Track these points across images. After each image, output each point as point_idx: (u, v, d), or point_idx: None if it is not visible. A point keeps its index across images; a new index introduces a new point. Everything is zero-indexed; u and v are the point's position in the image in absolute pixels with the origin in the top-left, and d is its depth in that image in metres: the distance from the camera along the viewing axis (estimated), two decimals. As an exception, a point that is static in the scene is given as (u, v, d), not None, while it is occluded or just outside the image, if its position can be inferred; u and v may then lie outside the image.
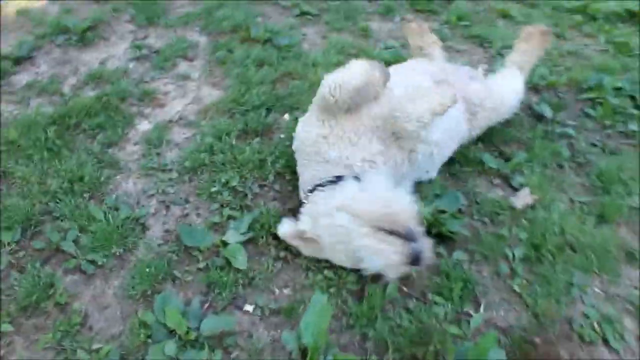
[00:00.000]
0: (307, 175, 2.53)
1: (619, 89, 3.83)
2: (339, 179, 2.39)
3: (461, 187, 2.98)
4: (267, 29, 4.17)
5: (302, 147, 2.56)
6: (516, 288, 2.49)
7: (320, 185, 2.42)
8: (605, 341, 2.33)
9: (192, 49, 4.05)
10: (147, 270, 2.42)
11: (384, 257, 2.04)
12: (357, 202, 2.18)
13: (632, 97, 3.78)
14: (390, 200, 2.17)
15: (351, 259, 2.24)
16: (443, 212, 2.73)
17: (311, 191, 2.45)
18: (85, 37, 4.10)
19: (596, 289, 2.53)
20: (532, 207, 2.88)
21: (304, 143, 2.55)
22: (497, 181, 3.06)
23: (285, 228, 2.46)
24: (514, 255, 2.61)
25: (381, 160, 2.46)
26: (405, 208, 2.14)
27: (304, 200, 2.50)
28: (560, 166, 3.20)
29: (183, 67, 3.84)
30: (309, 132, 2.52)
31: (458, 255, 2.58)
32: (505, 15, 4.91)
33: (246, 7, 4.57)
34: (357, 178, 2.36)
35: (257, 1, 4.79)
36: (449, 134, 2.82)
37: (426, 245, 2.09)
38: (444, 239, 2.63)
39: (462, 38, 4.49)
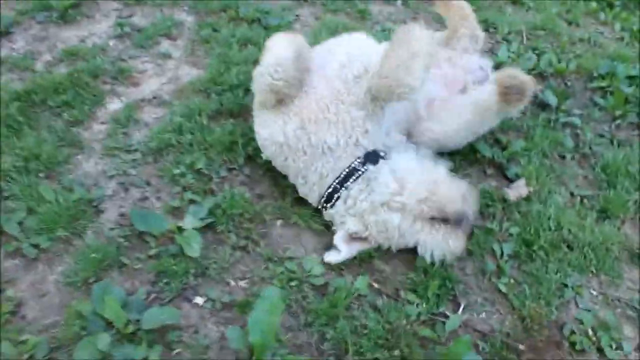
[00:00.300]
0: (313, 176, 2.29)
1: (632, 77, 3.52)
2: (363, 166, 2.23)
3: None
4: (258, 8, 3.94)
5: (281, 151, 2.33)
6: (502, 288, 2.24)
7: (344, 182, 2.23)
8: (600, 350, 2.07)
9: (177, 27, 3.83)
10: (93, 256, 2.20)
11: (444, 248, 2.14)
12: (401, 197, 2.13)
13: (646, 87, 3.47)
14: (432, 184, 2.13)
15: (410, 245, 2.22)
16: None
17: (335, 192, 2.25)
18: (67, 14, 3.89)
19: (593, 291, 2.27)
20: (527, 199, 2.61)
21: (281, 146, 2.31)
22: (490, 171, 2.79)
23: (333, 256, 2.24)
24: (502, 252, 2.35)
25: (373, 126, 2.26)
26: (449, 190, 2.14)
27: (324, 205, 2.32)
28: (562, 157, 2.93)
29: (165, 45, 3.62)
30: (277, 132, 2.29)
31: (440, 251, 2.31)
32: (515, 1, 4.61)
33: (238, -14, 4.33)
34: (382, 158, 2.25)
35: (252, -18, 4.54)
36: None
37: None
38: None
39: (467, 23, 4.19)
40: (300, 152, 2.26)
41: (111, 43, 3.61)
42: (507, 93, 2.46)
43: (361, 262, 2.25)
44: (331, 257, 2.21)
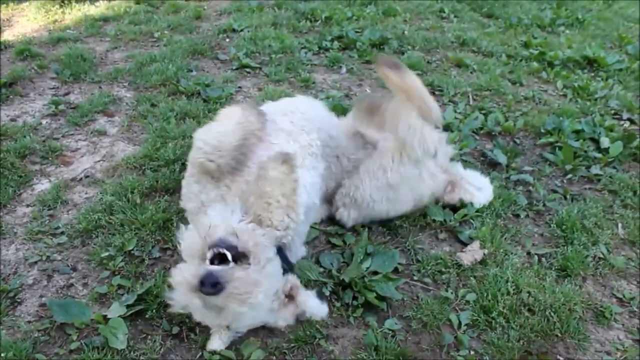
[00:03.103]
0: None
1: (578, 131, 3.51)
2: None
3: (400, 243, 2.56)
4: (198, 81, 3.86)
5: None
6: (462, 361, 2.04)
7: None
8: None
9: (115, 104, 3.70)
10: (4, 355, 1.94)
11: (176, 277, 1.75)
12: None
13: (594, 140, 3.45)
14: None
15: None
16: (375, 273, 2.31)
17: None
18: (0, 94, 3.73)
19: (560, 357, 2.09)
20: (483, 263, 2.47)
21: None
22: (442, 235, 2.66)
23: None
24: (459, 321, 2.18)
25: None
26: (213, 230, 1.79)
27: None
28: (516, 215, 2.82)
29: (101, 122, 3.48)
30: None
31: (391, 323, 2.14)
32: (459, 64, 4.66)
33: (180, 61, 4.27)
34: None
35: (194, 55, 4.49)
36: None
37: (220, 271, 1.68)
38: (373, 305, 2.18)
39: (412, 87, 4.17)
40: None
41: (44, 122, 3.47)
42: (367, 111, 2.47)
43: (305, 344, 2.03)
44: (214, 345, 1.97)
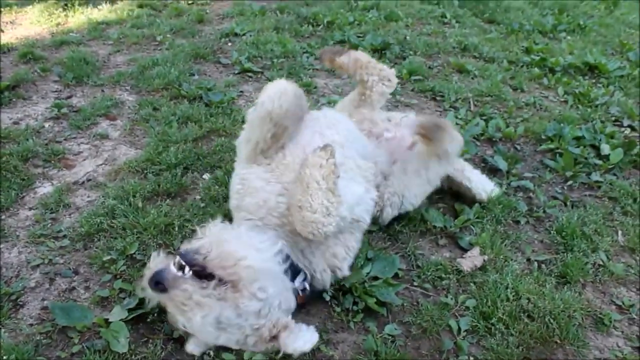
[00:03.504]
0: None
1: (579, 138, 3.52)
2: None
3: (400, 249, 2.57)
4: (200, 85, 3.87)
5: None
6: (461, 367, 2.05)
7: None
8: None
9: (117, 107, 3.72)
10: (7, 358, 1.95)
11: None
12: None
13: (594, 147, 3.46)
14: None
15: None
16: (376, 278, 2.32)
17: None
18: (3, 96, 3.75)
19: (558, 365, 2.09)
20: (483, 269, 2.47)
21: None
22: (443, 241, 2.66)
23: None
24: (459, 327, 2.18)
25: None
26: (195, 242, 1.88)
27: None
28: (517, 222, 2.83)
29: (103, 126, 3.49)
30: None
31: (390, 329, 2.15)
32: (461, 70, 4.68)
33: (182, 65, 4.29)
34: None
35: (196, 59, 4.51)
36: None
37: (170, 275, 1.72)
38: (373, 311, 2.19)
39: (414, 92, 4.21)
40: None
41: (47, 125, 3.48)
42: (426, 134, 2.50)
43: (305, 348, 2.04)
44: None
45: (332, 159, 1.95)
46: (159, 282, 1.70)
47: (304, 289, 2.06)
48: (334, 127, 2.39)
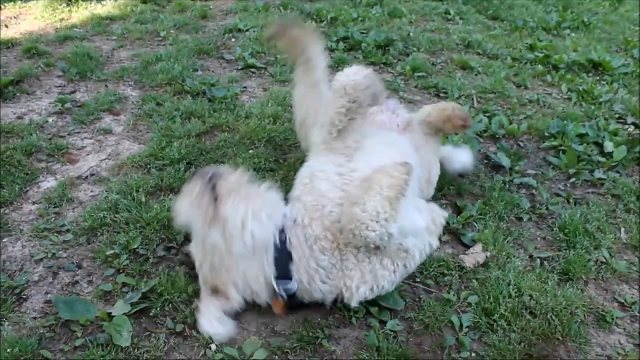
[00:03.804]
0: None
1: (583, 135, 3.52)
2: None
3: (403, 244, 2.56)
4: (204, 81, 3.87)
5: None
6: (463, 363, 2.05)
7: None
8: None
9: (121, 102, 3.72)
10: (10, 351, 1.96)
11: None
12: None
13: (597, 144, 3.45)
14: None
15: None
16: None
17: None
18: (7, 91, 3.76)
19: (561, 362, 2.09)
20: (485, 265, 2.47)
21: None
22: (445, 238, 2.66)
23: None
24: (461, 324, 2.18)
25: None
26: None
27: None
28: (519, 219, 2.83)
29: (107, 121, 3.50)
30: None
31: (393, 325, 2.15)
32: (464, 67, 4.67)
33: (186, 61, 4.29)
34: None
35: (200, 55, 4.51)
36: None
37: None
38: (376, 305, 2.20)
39: (417, 89, 4.21)
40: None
41: (50, 120, 3.48)
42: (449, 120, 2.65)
43: (308, 344, 2.05)
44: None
45: (406, 177, 1.91)
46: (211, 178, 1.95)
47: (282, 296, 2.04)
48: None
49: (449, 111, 2.68)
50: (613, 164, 3.28)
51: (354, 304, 2.05)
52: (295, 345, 2.04)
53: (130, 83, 4.03)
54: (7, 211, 2.69)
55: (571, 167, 3.22)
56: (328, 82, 2.59)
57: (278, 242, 2.01)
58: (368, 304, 2.19)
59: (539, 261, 2.55)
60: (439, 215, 2.26)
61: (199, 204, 1.94)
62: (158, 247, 2.46)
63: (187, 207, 1.97)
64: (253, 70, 4.32)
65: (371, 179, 1.94)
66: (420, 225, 2.10)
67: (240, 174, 2.05)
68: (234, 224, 1.92)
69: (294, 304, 2.09)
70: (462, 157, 2.94)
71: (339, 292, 2.05)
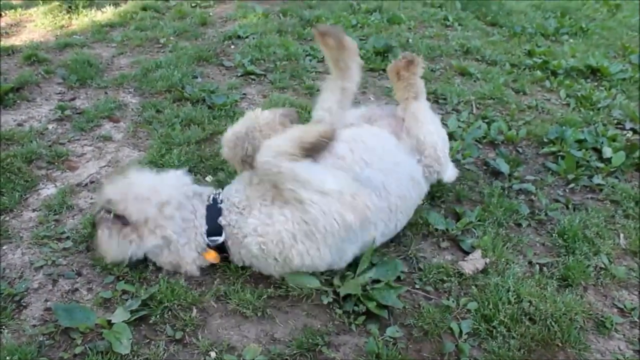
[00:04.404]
0: None
1: (581, 141, 3.53)
2: None
3: (402, 252, 2.58)
4: (203, 88, 3.89)
5: None
6: (462, 370, 2.05)
7: None
8: None
9: (121, 109, 3.73)
10: (10, 359, 1.96)
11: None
12: None
13: (596, 150, 3.46)
14: None
15: None
16: (377, 281, 2.32)
17: None
18: (7, 98, 3.77)
19: (560, 368, 2.09)
20: (484, 272, 2.48)
21: None
22: (445, 244, 2.67)
23: None
24: (460, 330, 2.18)
25: None
26: None
27: None
28: (518, 224, 2.84)
29: (106, 128, 3.51)
30: None
31: (392, 331, 2.15)
32: (463, 73, 4.69)
33: (186, 68, 4.30)
34: None
35: (200, 62, 4.53)
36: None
37: None
38: (375, 313, 2.20)
39: (416, 95, 4.20)
40: None
41: (50, 127, 3.49)
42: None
43: (307, 351, 2.05)
44: None
45: (321, 136, 2.22)
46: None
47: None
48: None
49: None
50: (611, 170, 3.29)
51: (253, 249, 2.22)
52: (294, 352, 2.04)
53: (130, 90, 4.04)
54: (7, 218, 2.69)
55: (570, 172, 3.23)
56: (352, 97, 2.62)
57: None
58: (367, 299, 2.21)
59: (538, 267, 2.55)
60: (363, 197, 2.21)
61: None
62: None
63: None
64: (252, 76, 4.33)
65: (292, 129, 2.23)
66: (328, 186, 2.13)
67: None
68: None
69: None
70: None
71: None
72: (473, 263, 2.51)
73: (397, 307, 2.23)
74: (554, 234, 2.76)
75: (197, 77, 4.22)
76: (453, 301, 2.31)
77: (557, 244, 2.70)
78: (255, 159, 2.21)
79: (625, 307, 2.37)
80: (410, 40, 5.26)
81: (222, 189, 2.44)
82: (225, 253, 2.32)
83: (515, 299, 2.31)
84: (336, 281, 2.31)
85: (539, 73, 4.72)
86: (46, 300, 2.26)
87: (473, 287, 2.38)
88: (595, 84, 4.65)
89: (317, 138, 2.21)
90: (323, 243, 2.15)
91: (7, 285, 2.29)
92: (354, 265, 2.40)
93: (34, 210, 2.76)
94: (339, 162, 2.31)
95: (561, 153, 3.43)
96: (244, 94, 4.03)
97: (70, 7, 5.73)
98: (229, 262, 2.37)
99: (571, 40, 5.83)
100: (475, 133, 3.54)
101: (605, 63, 4.86)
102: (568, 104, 4.22)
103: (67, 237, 2.58)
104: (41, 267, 2.42)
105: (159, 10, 5.88)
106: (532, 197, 3.05)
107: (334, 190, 2.13)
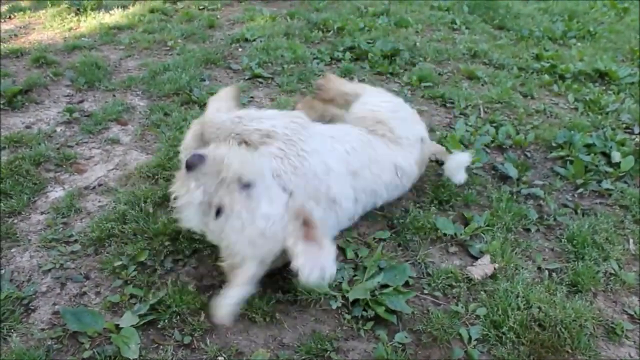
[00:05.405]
0: None
1: (590, 145, 3.51)
2: None
3: (411, 257, 2.57)
4: (211, 91, 3.88)
5: None
6: (471, 376, 2.04)
7: None
8: None
9: (128, 112, 3.74)
10: (18, 363, 1.96)
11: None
12: None
13: (605, 154, 3.44)
14: None
15: None
16: (386, 286, 2.31)
17: None
18: (15, 100, 3.78)
19: (570, 375, 2.08)
20: (493, 277, 2.46)
21: None
22: (453, 249, 2.66)
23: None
24: (469, 336, 2.18)
25: None
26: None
27: None
28: (527, 229, 2.82)
29: (114, 131, 3.51)
30: None
31: (401, 337, 2.14)
32: (471, 76, 4.67)
33: (193, 70, 4.31)
34: None
35: (207, 65, 4.53)
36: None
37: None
38: (384, 319, 2.19)
39: (424, 99, 4.21)
40: None
41: (58, 129, 3.49)
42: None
43: (315, 356, 2.04)
44: None
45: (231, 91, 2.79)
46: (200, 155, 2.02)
47: None
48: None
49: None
50: (620, 174, 3.27)
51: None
52: (303, 357, 2.04)
53: (138, 92, 4.04)
54: (15, 221, 2.69)
55: (578, 177, 3.21)
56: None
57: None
58: (376, 304, 2.21)
59: (547, 272, 2.54)
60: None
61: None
62: (166, 258, 2.46)
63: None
64: (260, 80, 4.33)
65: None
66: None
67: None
68: None
69: None
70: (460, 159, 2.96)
71: None
72: (482, 268, 2.49)
73: (406, 312, 2.22)
74: (563, 239, 2.74)
75: (204, 80, 4.22)
76: (462, 307, 2.30)
77: (566, 250, 2.68)
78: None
79: (635, 313, 2.35)
80: (417, 44, 5.25)
81: None
82: None
83: (524, 304, 2.30)
84: (345, 286, 2.30)
85: (546, 77, 4.70)
86: (54, 304, 2.26)
87: (482, 292, 2.37)
88: (604, 87, 4.63)
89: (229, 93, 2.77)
90: None
91: (15, 289, 2.29)
92: (361, 269, 2.39)
93: (42, 213, 2.77)
94: None
95: (570, 157, 3.41)
96: (252, 97, 4.03)
97: (78, 9, 5.75)
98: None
99: (579, 44, 5.81)
100: (483, 137, 3.53)
101: (613, 67, 4.84)
102: (576, 108, 4.19)
103: (75, 241, 2.58)
104: (49, 270, 2.42)
105: (166, 12, 5.89)
106: (541, 202, 3.04)
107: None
